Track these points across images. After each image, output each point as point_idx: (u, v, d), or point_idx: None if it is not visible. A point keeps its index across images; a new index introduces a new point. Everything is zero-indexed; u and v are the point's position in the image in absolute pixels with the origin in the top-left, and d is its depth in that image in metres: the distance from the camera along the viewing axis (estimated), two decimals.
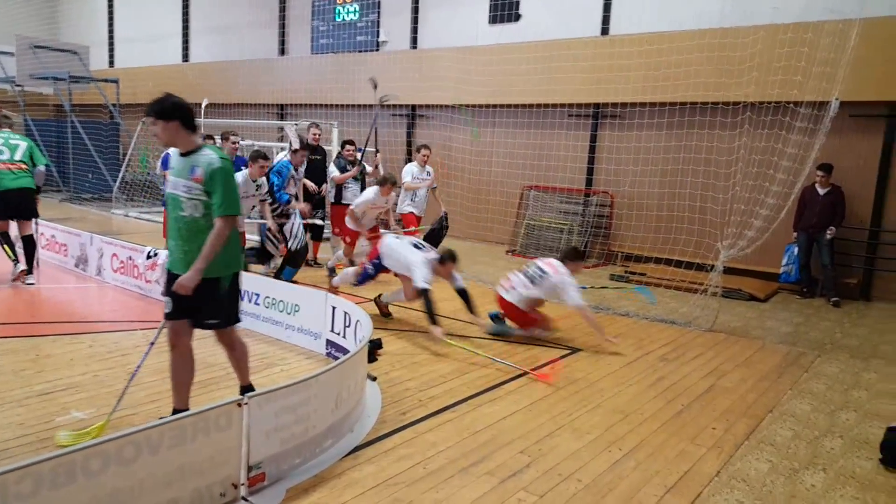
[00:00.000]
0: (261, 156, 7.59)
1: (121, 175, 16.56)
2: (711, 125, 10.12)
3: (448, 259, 6.57)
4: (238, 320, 4.35)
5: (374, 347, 5.85)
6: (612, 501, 3.64)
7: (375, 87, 11.04)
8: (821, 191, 9.35)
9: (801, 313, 8.61)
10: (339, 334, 5.65)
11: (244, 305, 6.53)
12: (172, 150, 4.09)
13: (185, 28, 20.01)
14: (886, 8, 9.21)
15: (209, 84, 18.19)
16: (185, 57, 20.10)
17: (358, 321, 5.27)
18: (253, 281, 6.74)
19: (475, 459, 4.03)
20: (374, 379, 5.23)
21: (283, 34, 17.44)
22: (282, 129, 15.74)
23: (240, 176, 7.00)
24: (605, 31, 12.01)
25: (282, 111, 17.26)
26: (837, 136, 8.53)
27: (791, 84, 8.68)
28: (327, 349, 5.81)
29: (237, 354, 4.49)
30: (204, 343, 6.15)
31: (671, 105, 10.65)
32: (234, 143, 8.61)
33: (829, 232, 9.21)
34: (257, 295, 6.46)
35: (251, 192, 7.69)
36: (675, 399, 5.24)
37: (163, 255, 7.52)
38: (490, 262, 11.08)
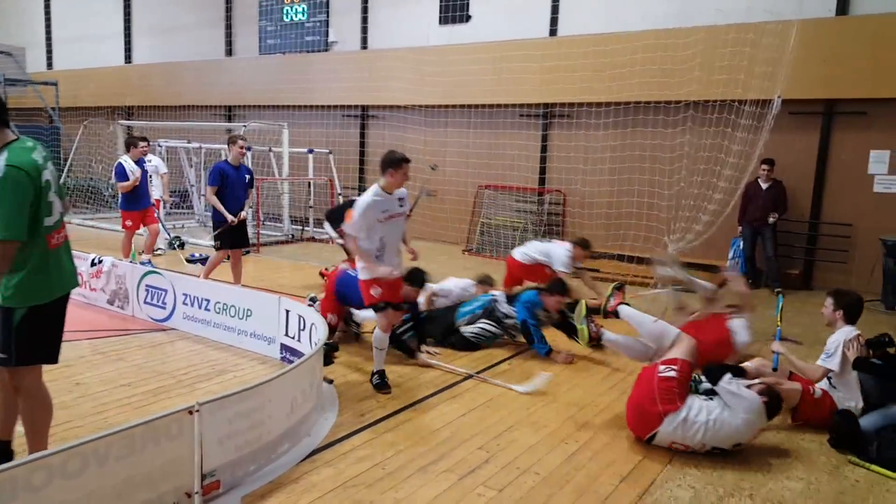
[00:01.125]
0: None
1: (62, 181, 15.99)
2: (657, 124, 10.36)
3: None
4: (32, 362, 3.38)
5: (331, 350, 5.80)
6: (568, 492, 3.69)
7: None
8: (763, 185, 9.67)
9: None
10: (293, 338, 5.57)
11: (193, 311, 6.41)
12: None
13: (128, 28, 19.45)
14: (821, 10, 9.60)
15: (154, 86, 17.75)
16: (128, 58, 19.55)
17: (313, 324, 5.21)
18: (202, 285, 6.61)
19: (434, 458, 4.03)
20: (331, 382, 5.18)
21: (229, 34, 17.13)
22: (230, 131, 15.47)
23: (368, 196, 4.92)
24: (553, 31, 12.17)
25: (230, 113, 16.95)
26: (778, 132, 8.81)
27: (734, 83, 8.94)
28: (282, 354, 5.72)
29: (24, 407, 3.43)
30: (154, 351, 6.02)
31: (617, 105, 10.86)
32: (241, 146, 7.59)
33: (771, 217, 9.50)
34: (207, 300, 6.32)
35: (394, 209, 5.02)
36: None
37: (108, 261, 7.31)
38: (445, 262, 11.09)
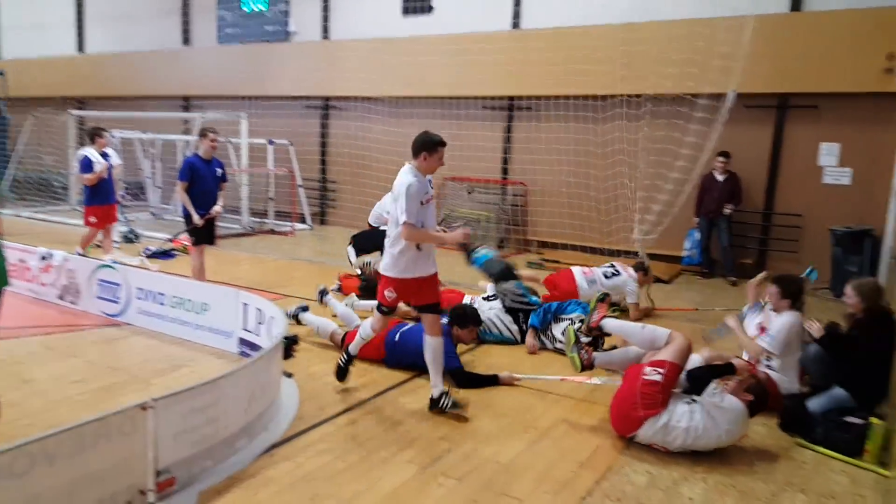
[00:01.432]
0: None
1: (11, 173, 15.48)
2: (617, 117, 10.47)
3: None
4: None
5: (291, 343, 5.75)
6: (529, 478, 3.73)
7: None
8: (719, 177, 9.87)
9: (702, 293, 9.07)
10: (252, 332, 5.49)
11: (147, 305, 6.28)
12: None
13: (80, 16, 18.84)
14: (776, 6, 9.82)
15: (107, 75, 17.25)
16: (81, 47, 18.95)
17: (272, 317, 5.15)
18: (157, 280, 6.47)
19: (395, 449, 4.02)
20: (291, 375, 5.12)
21: (186, 23, 16.72)
22: (186, 121, 15.17)
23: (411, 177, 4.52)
24: (515, 24, 12.18)
25: (187, 103, 16.59)
26: (734, 126, 9.00)
27: (691, 77, 9.09)
28: (240, 348, 5.64)
29: None
30: (107, 347, 5.89)
31: (579, 98, 10.96)
32: (213, 139, 7.25)
33: (727, 208, 9.72)
34: (162, 294, 6.20)
35: (430, 192, 4.73)
36: (588, 377, 5.40)
37: (59, 256, 7.11)
38: None
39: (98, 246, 9.36)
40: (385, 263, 4.59)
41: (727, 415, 4.04)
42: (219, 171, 7.47)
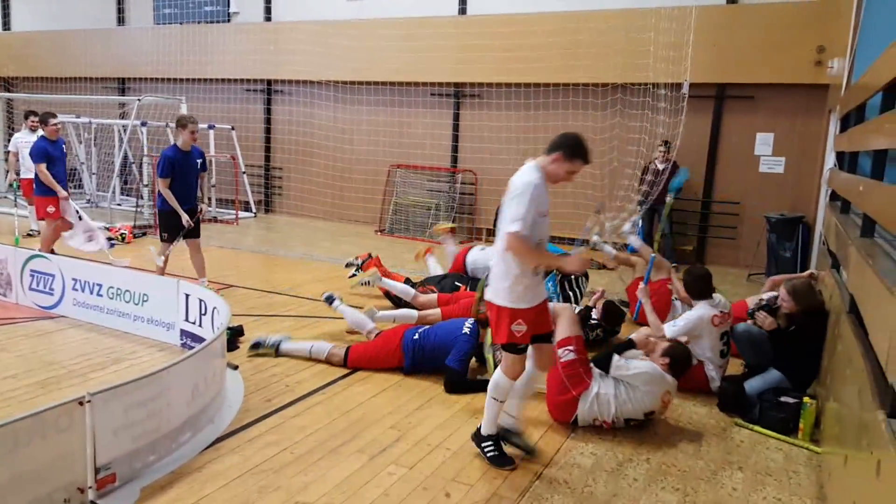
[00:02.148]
0: None
1: None
2: (563, 105, 10.60)
3: None
4: None
5: (235, 335, 5.64)
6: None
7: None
8: (660, 166, 10.10)
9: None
10: (194, 323, 5.35)
11: (84, 297, 6.05)
12: None
13: None
14: None
15: (37, 55, 16.43)
16: (6, 24, 17.97)
17: (215, 308, 5.03)
18: (93, 269, 6.22)
19: (345, 439, 4.00)
20: (236, 367, 5.02)
21: (121, 2, 16.04)
22: (123, 105, 14.62)
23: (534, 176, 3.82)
24: (462, 10, 12.15)
25: (123, 86, 15.96)
26: (674, 115, 9.23)
27: (638, 67, 9.28)
28: (182, 339, 5.49)
29: None
30: (42, 340, 5.64)
31: (528, 86, 11.03)
32: (192, 131, 6.70)
33: (668, 196, 9.83)
34: (99, 285, 5.97)
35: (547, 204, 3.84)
36: None
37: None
38: (356, 242, 10.98)
39: (31, 235, 8.94)
40: (498, 290, 3.62)
41: (639, 378, 4.22)
42: (199, 161, 6.95)
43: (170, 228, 6.87)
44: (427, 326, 5.31)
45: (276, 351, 5.36)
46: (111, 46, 15.59)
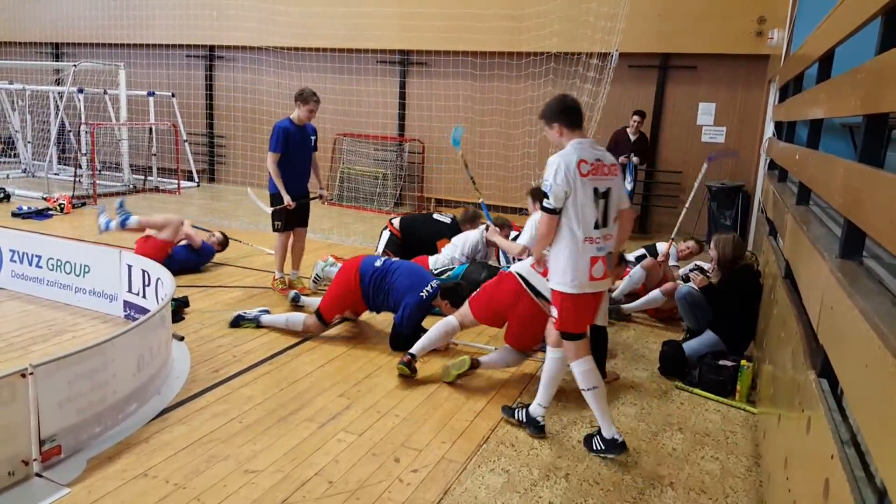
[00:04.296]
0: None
1: None
2: (507, 76, 10.62)
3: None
4: None
5: (181, 306, 5.57)
6: (427, 429, 3.85)
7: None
8: (632, 136, 9.88)
9: None
10: (137, 294, 5.25)
11: (22, 268, 5.86)
12: None
13: None
14: None
15: None
16: None
17: (159, 279, 4.94)
18: (32, 240, 6.02)
19: (294, 408, 4.02)
20: (182, 339, 4.97)
21: None
22: (58, 71, 13.96)
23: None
24: None
25: (57, 51, 15.22)
26: (620, 84, 9.35)
27: (581, 37, 9.34)
28: (126, 311, 5.39)
29: None
30: None
31: (475, 54, 11.00)
32: (311, 109, 6.08)
33: (633, 157, 9.71)
34: (38, 257, 5.78)
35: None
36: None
37: None
38: None
39: None
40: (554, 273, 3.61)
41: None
42: (313, 138, 6.32)
43: (283, 216, 6.22)
44: (394, 259, 5.44)
45: (257, 325, 5.33)
46: (42, 9, 14.82)
